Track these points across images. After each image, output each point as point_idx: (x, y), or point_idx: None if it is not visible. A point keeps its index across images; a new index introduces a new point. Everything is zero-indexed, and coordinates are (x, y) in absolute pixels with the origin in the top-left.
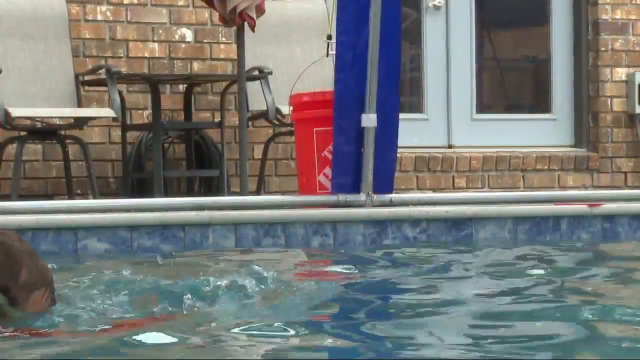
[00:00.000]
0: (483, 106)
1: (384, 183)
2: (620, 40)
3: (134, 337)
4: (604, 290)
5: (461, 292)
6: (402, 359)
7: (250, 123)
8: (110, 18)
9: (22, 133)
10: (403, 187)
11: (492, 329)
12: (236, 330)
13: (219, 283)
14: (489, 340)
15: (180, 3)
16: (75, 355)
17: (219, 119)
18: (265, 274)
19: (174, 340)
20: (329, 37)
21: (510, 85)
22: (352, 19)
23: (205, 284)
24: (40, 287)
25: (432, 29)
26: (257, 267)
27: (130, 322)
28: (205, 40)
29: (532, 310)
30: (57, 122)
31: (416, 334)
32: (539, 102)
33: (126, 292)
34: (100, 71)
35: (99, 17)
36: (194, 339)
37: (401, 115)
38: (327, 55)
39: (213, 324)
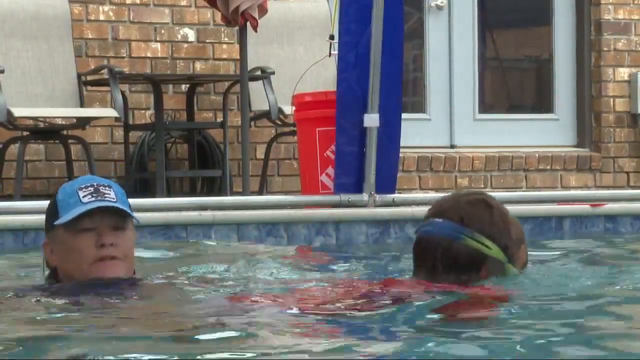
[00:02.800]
0: (485, 106)
1: (387, 183)
2: (622, 40)
3: None
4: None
5: None
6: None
7: (252, 123)
8: (113, 18)
9: (25, 133)
10: (405, 187)
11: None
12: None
13: None
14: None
15: (183, 3)
16: None
17: (222, 119)
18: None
19: None
20: (332, 37)
21: (513, 85)
22: (355, 19)
23: None
24: (524, 243)
25: (434, 29)
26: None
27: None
28: (207, 40)
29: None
30: (60, 122)
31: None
32: (542, 102)
33: None
34: (102, 71)
35: (102, 17)
36: None
37: (404, 115)
38: (330, 56)
39: None
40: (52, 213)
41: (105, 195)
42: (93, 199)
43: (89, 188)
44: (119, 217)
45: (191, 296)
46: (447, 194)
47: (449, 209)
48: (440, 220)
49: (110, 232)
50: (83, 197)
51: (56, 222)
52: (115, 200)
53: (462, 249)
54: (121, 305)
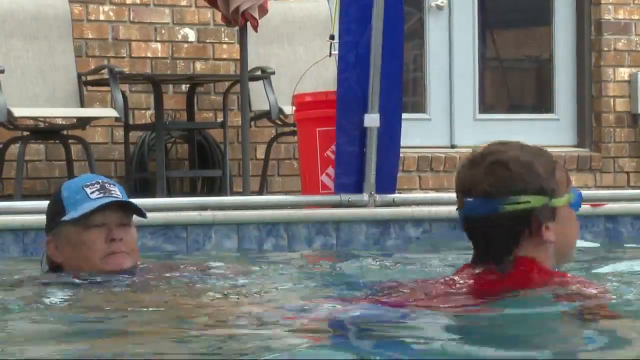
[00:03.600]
0: (486, 106)
1: (387, 183)
2: (622, 40)
3: None
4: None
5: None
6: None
7: (252, 123)
8: (113, 18)
9: (25, 133)
10: (406, 187)
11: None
12: None
13: None
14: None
15: (183, 3)
16: None
17: (222, 119)
18: None
19: None
20: (332, 37)
21: (513, 85)
22: (355, 19)
23: None
24: (555, 166)
25: (434, 29)
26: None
27: None
28: (207, 40)
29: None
30: (60, 122)
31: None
32: (542, 102)
33: None
34: (103, 71)
35: (102, 17)
36: None
37: (404, 115)
38: (330, 56)
39: None
40: (57, 210)
41: (112, 192)
42: (101, 195)
43: (95, 185)
44: (124, 213)
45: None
46: (466, 158)
47: (472, 186)
48: (471, 199)
49: (118, 228)
50: (91, 193)
51: (65, 218)
52: (120, 196)
53: (503, 218)
54: (125, 295)
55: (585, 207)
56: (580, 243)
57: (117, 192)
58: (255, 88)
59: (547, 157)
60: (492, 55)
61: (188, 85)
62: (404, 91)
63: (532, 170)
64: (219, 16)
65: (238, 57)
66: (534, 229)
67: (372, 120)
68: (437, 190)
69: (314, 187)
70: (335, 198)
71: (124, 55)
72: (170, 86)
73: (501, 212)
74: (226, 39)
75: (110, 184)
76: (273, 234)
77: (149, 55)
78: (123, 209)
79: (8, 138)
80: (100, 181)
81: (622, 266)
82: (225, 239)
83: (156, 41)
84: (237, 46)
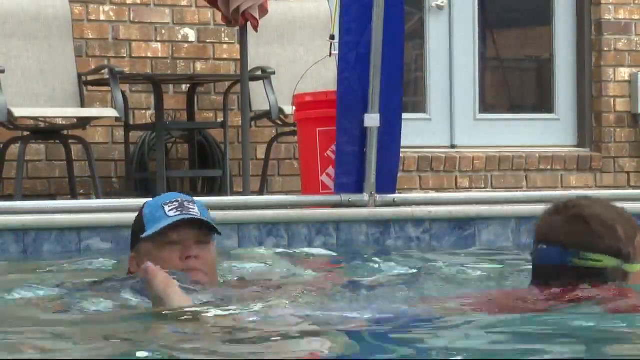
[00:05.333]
0: (486, 106)
1: (387, 183)
2: (623, 40)
3: None
4: None
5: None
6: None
7: (253, 123)
8: (113, 18)
9: (25, 133)
10: (406, 187)
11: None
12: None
13: None
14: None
15: (183, 3)
16: None
17: (222, 119)
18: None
19: None
20: (332, 37)
21: (513, 85)
22: (355, 19)
23: None
24: (638, 231)
25: (435, 29)
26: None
27: None
28: (208, 40)
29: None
30: (60, 122)
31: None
32: (542, 102)
33: None
34: (103, 71)
35: (102, 17)
36: None
37: (404, 115)
38: (330, 56)
39: None
40: (139, 227)
41: (190, 210)
42: (178, 213)
43: (174, 203)
44: (202, 232)
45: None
46: (548, 207)
47: (549, 232)
48: (545, 246)
49: (194, 245)
50: (169, 211)
51: (142, 235)
52: (199, 215)
53: (573, 271)
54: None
55: None
56: None
57: (196, 211)
58: (256, 88)
59: (630, 221)
60: (492, 55)
61: (188, 85)
62: (404, 91)
63: (612, 231)
64: (219, 16)
65: (238, 57)
66: (593, 285)
67: (372, 120)
68: (437, 190)
69: (314, 187)
70: (336, 198)
71: (124, 55)
72: (171, 86)
73: (571, 265)
74: (226, 39)
75: (189, 202)
76: (273, 234)
77: (149, 55)
78: (200, 227)
79: (8, 138)
80: (179, 199)
81: None
82: (225, 239)
83: (156, 41)
84: (238, 46)
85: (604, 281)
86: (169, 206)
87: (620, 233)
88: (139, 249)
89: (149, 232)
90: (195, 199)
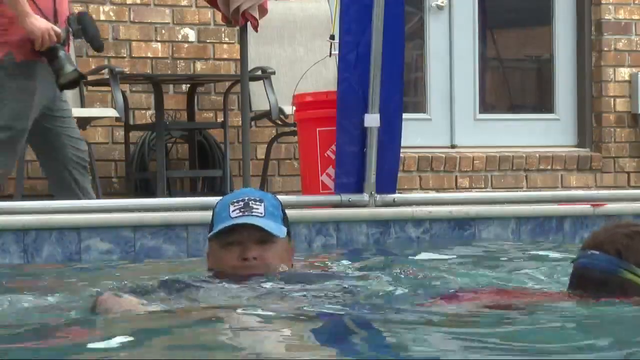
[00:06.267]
0: (486, 106)
1: (387, 183)
2: (623, 40)
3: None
4: None
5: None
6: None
7: (253, 123)
8: (113, 18)
9: None
10: (406, 187)
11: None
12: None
13: None
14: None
15: (183, 3)
16: None
17: (222, 119)
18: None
19: None
20: (332, 37)
21: (513, 85)
22: (355, 19)
23: None
24: None
25: (435, 29)
26: None
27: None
28: (208, 40)
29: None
30: None
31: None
32: (542, 102)
33: None
34: (103, 71)
35: (102, 17)
36: None
37: (404, 115)
38: (330, 56)
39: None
40: (211, 224)
41: (253, 210)
42: (240, 214)
43: (240, 202)
44: (264, 231)
45: None
46: (606, 225)
47: (606, 241)
48: (597, 252)
49: (254, 246)
50: (232, 211)
51: (209, 235)
52: (262, 214)
53: (619, 282)
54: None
55: (586, 207)
56: None
57: (259, 210)
58: (256, 88)
59: None
60: (492, 55)
61: (188, 85)
62: (404, 91)
63: None
64: (219, 16)
65: (238, 57)
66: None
67: (372, 120)
68: (437, 190)
69: (314, 187)
70: (336, 198)
71: (125, 55)
72: (171, 86)
73: (619, 276)
74: (226, 39)
75: (255, 201)
76: None
77: (149, 55)
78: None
79: None
80: (246, 198)
81: None
82: None
83: (156, 41)
84: (238, 46)
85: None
86: (234, 206)
87: None
88: (210, 245)
89: (212, 233)
90: (269, 194)
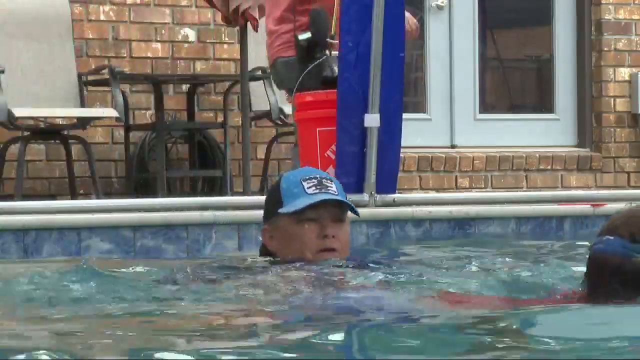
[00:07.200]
0: (486, 106)
1: (387, 183)
2: (623, 40)
3: None
4: None
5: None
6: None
7: (253, 123)
8: (113, 18)
9: (26, 133)
10: (406, 187)
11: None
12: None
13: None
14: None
15: (183, 3)
16: None
17: (222, 119)
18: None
19: None
20: (332, 37)
21: (513, 85)
22: (356, 19)
23: None
24: None
25: (435, 29)
26: None
27: None
28: (208, 40)
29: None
30: (60, 122)
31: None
32: (542, 102)
33: None
34: (103, 71)
35: (102, 17)
36: None
37: (404, 115)
38: (330, 55)
39: None
40: (275, 200)
41: (329, 189)
42: (317, 190)
43: (313, 180)
44: (339, 210)
45: None
46: (623, 209)
47: (621, 225)
48: (612, 237)
49: (331, 224)
50: (307, 188)
51: (280, 210)
52: (336, 193)
53: (632, 267)
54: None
55: (586, 208)
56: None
57: (334, 189)
58: (256, 88)
59: None
60: (492, 55)
61: (188, 86)
62: (404, 91)
63: None
64: (219, 16)
65: (238, 57)
66: None
67: (372, 120)
68: (437, 190)
69: None
70: None
71: (125, 55)
72: (171, 86)
73: (634, 260)
74: (226, 39)
75: (327, 180)
76: None
77: (149, 55)
78: (338, 205)
79: (8, 138)
80: (317, 176)
81: None
82: (225, 239)
83: (156, 41)
84: (238, 46)
85: None
86: (307, 183)
87: None
88: (275, 223)
89: (289, 209)
90: (324, 174)
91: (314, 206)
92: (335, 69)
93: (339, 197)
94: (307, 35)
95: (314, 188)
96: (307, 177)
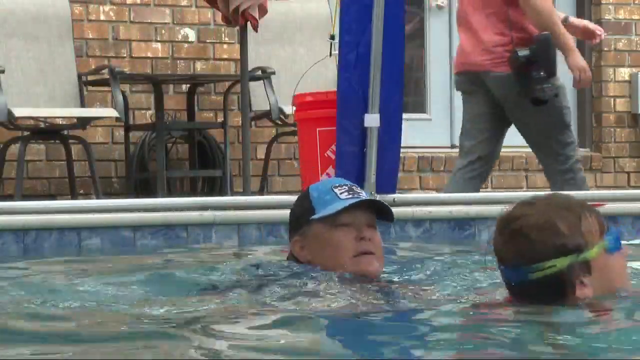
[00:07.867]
0: None
1: (387, 183)
2: (623, 40)
3: None
4: None
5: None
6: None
7: (253, 123)
8: (113, 18)
9: (26, 133)
10: (406, 187)
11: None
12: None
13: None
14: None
15: (183, 3)
16: None
17: (222, 119)
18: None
19: None
20: (332, 37)
21: None
22: (355, 19)
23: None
24: (584, 214)
25: (435, 28)
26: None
27: None
28: (208, 40)
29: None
30: (60, 122)
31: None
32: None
33: None
34: (103, 71)
35: (102, 17)
36: None
37: (404, 115)
38: (330, 55)
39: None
40: (306, 210)
41: (360, 194)
42: (350, 196)
43: (344, 187)
44: (372, 215)
45: None
46: (496, 223)
47: (499, 255)
48: (503, 267)
49: (367, 228)
50: (340, 194)
51: (314, 217)
52: (368, 198)
53: (536, 285)
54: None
55: None
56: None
57: (364, 195)
58: (256, 88)
59: (572, 210)
60: None
61: (188, 85)
62: (404, 91)
63: (554, 232)
64: (219, 16)
65: (238, 57)
66: (568, 289)
67: (372, 120)
68: (437, 190)
69: None
70: None
71: (125, 55)
72: (171, 86)
73: (531, 280)
74: (226, 39)
75: (357, 187)
76: (273, 234)
77: (149, 55)
78: (370, 210)
79: (8, 138)
80: (348, 184)
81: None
82: (225, 239)
83: (157, 41)
84: (238, 46)
85: (570, 282)
86: (339, 189)
87: (562, 229)
88: (306, 232)
89: (323, 214)
90: (352, 182)
91: (349, 210)
92: (547, 91)
93: (375, 199)
94: (526, 52)
95: (346, 194)
96: (338, 185)
